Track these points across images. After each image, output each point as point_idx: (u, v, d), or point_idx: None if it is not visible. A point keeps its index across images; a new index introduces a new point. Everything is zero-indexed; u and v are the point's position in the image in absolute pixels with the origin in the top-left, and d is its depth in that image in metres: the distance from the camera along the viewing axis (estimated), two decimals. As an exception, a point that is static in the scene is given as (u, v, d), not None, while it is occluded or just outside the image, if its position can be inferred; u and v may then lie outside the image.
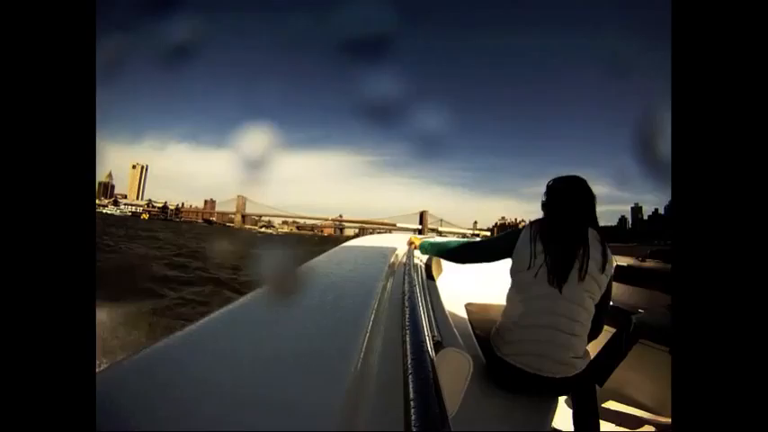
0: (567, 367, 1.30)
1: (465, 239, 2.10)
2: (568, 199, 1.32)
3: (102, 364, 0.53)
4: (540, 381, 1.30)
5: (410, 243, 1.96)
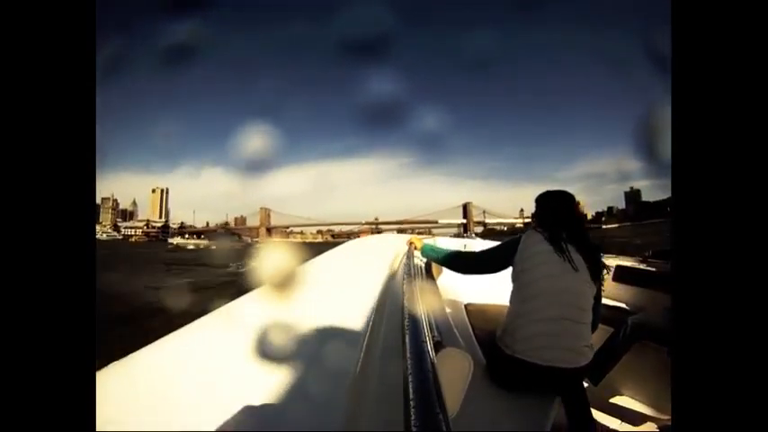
0: (580, 356, 1.35)
1: (462, 248, 2.08)
2: (563, 216, 1.47)
3: (101, 364, 0.53)
4: (555, 372, 1.32)
5: (410, 243, 1.96)
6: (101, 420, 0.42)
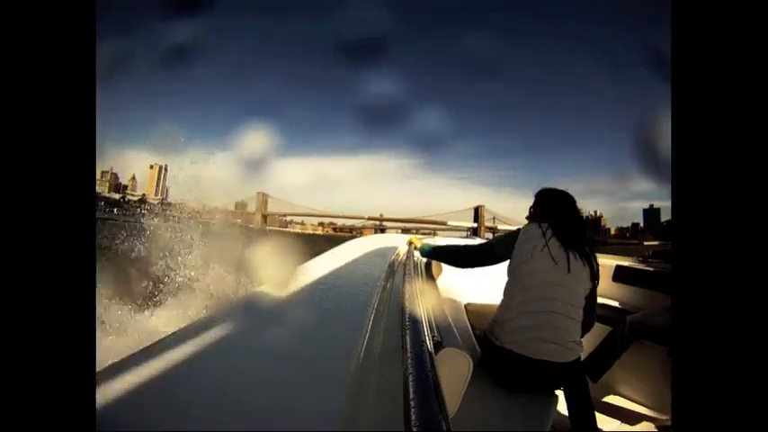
0: (565, 351, 1.34)
1: (462, 243, 2.09)
2: (571, 212, 1.48)
3: (101, 365, 0.53)
4: (539, 366, 1.31)
5: (410, 243, 1.96)
6: (101, 420, 0.42)
